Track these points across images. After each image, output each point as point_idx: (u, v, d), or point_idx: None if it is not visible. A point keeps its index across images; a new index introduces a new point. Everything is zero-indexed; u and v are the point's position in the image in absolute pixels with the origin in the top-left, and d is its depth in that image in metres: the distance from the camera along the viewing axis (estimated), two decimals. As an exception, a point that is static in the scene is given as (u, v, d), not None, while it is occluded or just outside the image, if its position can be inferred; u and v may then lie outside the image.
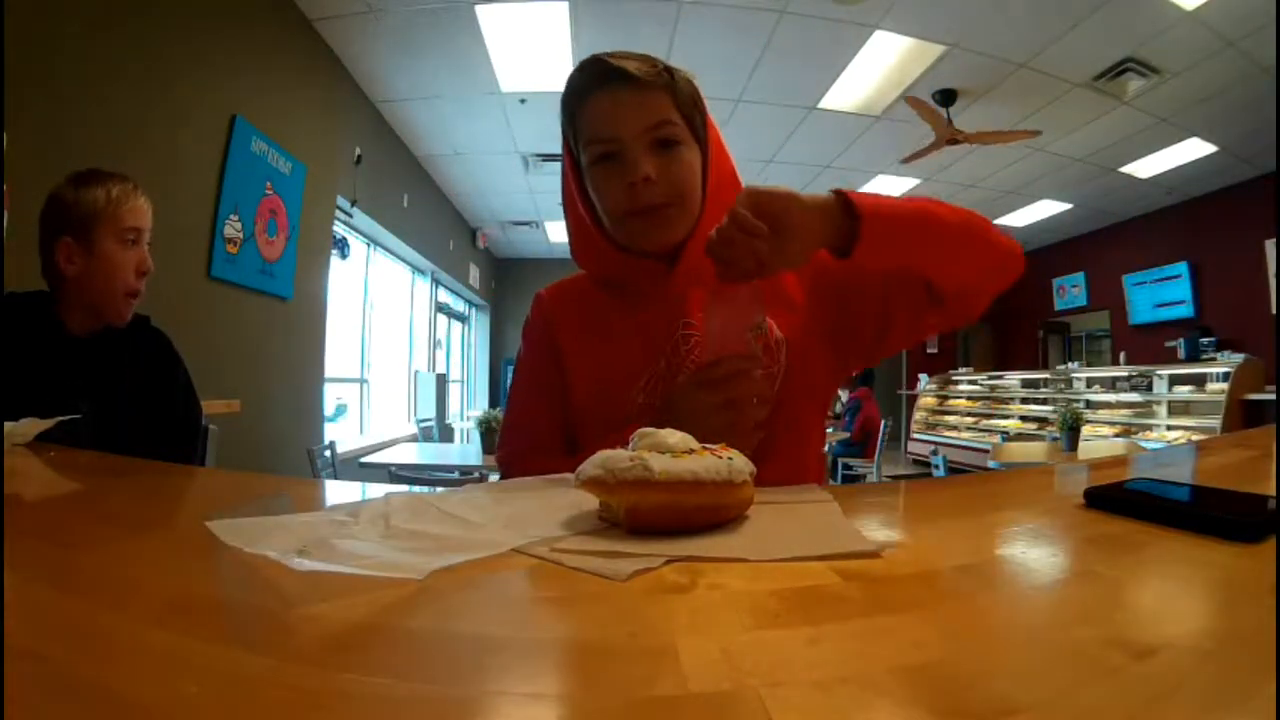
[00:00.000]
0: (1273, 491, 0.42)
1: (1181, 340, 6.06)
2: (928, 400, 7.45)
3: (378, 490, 0.57)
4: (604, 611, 0.29)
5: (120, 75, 2.11)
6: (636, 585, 0.32)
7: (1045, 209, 6.66)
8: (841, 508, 0.46)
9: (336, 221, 3.94)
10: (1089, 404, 5.57)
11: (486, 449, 3.07)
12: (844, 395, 5.64)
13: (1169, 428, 4.79)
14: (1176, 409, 4.86)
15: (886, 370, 8.57)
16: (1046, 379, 6.38)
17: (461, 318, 7.92)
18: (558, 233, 7.27)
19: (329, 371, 3.84)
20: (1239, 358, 4.56)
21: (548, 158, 5.19)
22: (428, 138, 4.92)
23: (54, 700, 0.20)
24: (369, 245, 4.91)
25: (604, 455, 0.41)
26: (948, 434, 6.84)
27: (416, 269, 5.94)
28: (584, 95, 0.70)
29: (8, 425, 0.80)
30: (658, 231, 0.72)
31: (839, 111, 4.37)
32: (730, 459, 0.42)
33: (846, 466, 5.22)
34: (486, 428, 3.06)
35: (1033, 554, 0.38)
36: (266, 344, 3.11)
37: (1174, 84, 3.90)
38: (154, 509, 0.59)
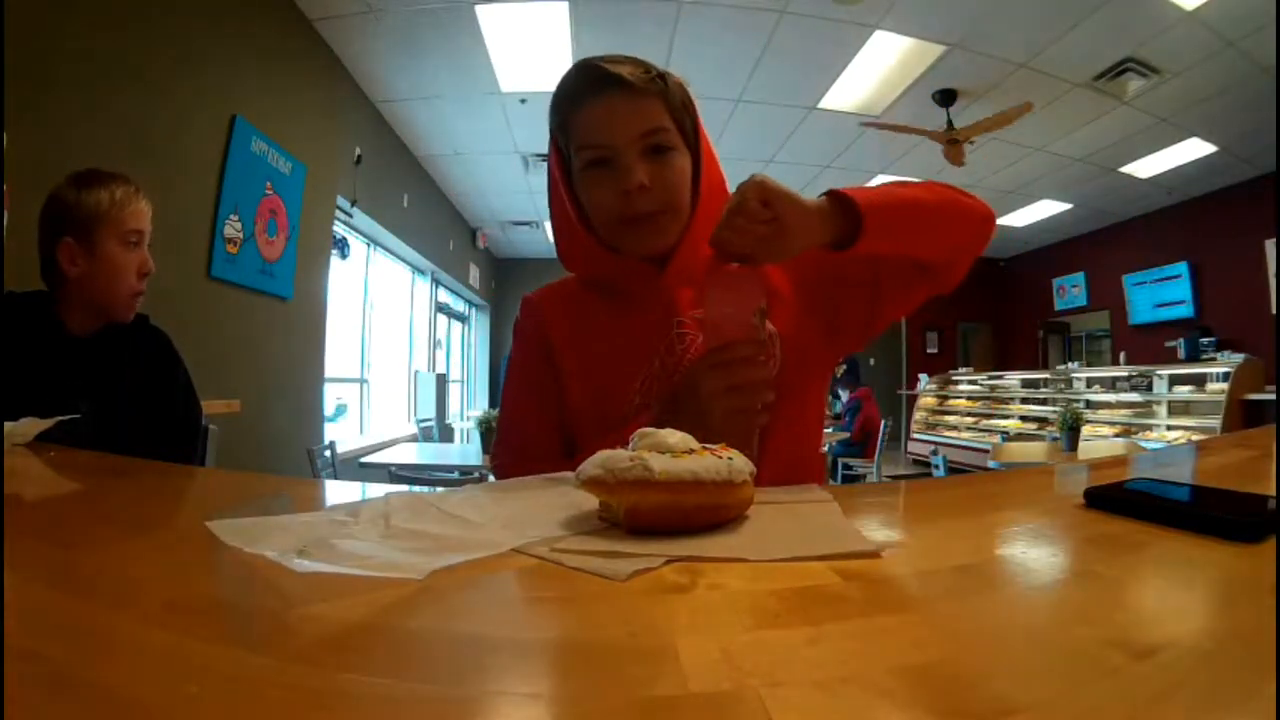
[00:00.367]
0: (1273, 491, 0.42)
1: (1181, 340, 6.06)
2: (928, 400, 7.44)
3: (378, 490, 0.57)
4: (604, 611, 0.29)
5: (120, 75, 2.11)
6: (636, 585, 0.32)
7: (1045, 209, 6.66)
8: (841, 508, 0.46)
9: (336, 221, 3.94)
10: (1089, 404, 5.57)
11: (486, 449, 3.07)
12: (844, 395, 5.64)
13: (1169, 428, 4.79)
14: (1176, 409, 4.86)
15: (886, 370, 8.58)
16: (1046, 379, 6.38)
17: (461, 318, 7.92)
18: (558, 233, 7.25)
19: (329, 371, 3.84)
20: (1239, 358, 4.56)
21: (547, 158, 5.18)
22: (428, 138, 4.92)
23: (54, 700, 0.20)
24: (369, 245, 4.91)
25: (604, 455, 0.41)
26: (948, 434, 6.83)
27: (416, 269, 5.94)
28: (577, 100, 0.70)
29: (8, 425, 0.80)
30: (651, 238, 0.72)
31: (839, 111, 4.37)
32: (730, 459, 0.42)
33: (846, 466, 5.22)
34: (486, 428, 3.06)
35: (1033, 554, 0.38)
36: (266, 344, 3.11)
37: (1174, 84, 3.91)
38: (154, 509, 0.59)
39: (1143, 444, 4.49)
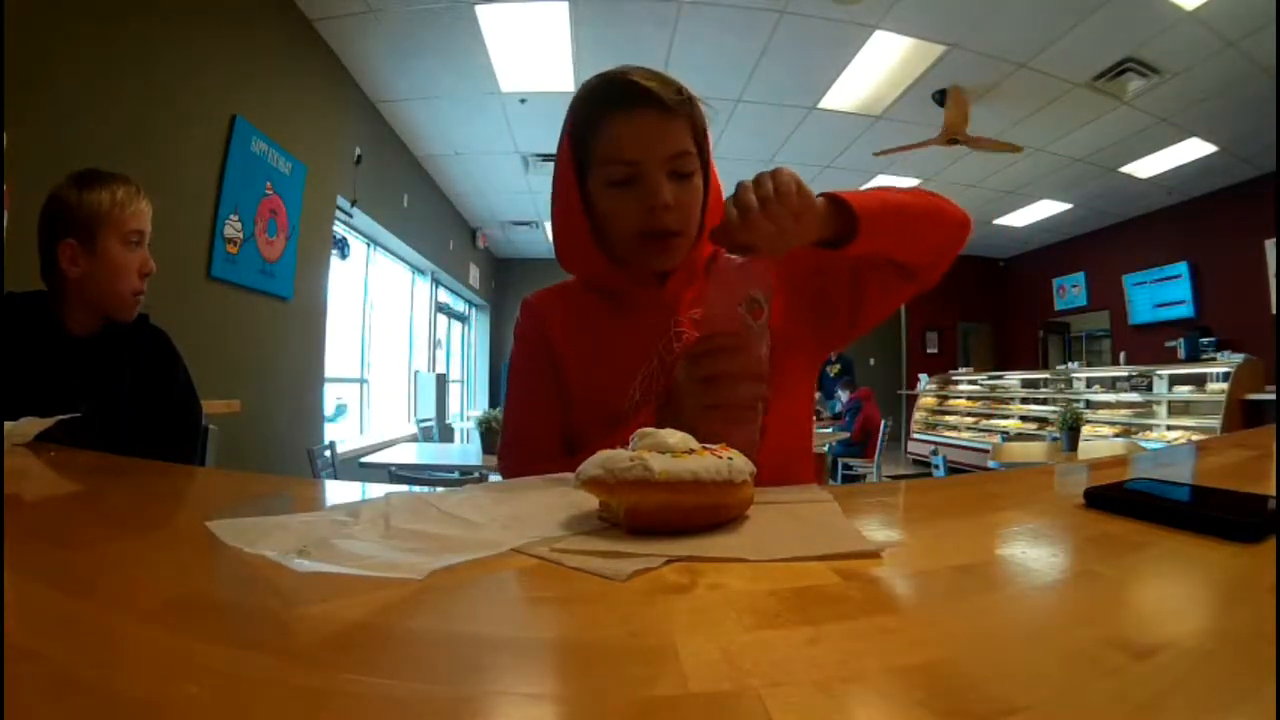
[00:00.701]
0: (1273, 491, 0.42)
1: (1181, 340, 6.07)
2: (928, 400, 7.44)
3: (378, 490, 0.57)
4: (604, 611, 0.29)
5: (120, 75, 2.11)
6: (636, 585, 0.32)
7: (1045, 209, 6.66)
8: (841, 508, 0.46)
9: (336, 221, 3.94)
10: (1089, 404, 5.57)
11: (486, 449, 3.07)
12: (844, 395, 5.64)
13: (1169, 428, 4.79)
14: (1176, 409, 4.86)
15: (886, 370, 8.57)
16: (1046, 379, 6.37)
17: (461, 318, 7.92)
18: (558, 233, 7.25)
19: (329, 371, 3.84)
20: (1239, 358, 4.56)
21: (548, 158, 5.19)
22: (428, 138, 4.92)
23: (54, 700, 0.20)
24: (369, 245, 4.91)
25: (604, 455, 0.41)
26: (948, 434, 6.83)
27: (416, 269, 5.94)
28: (609, 110, 0.69)
29: (8, 425, 0.80)
30: (665, 255, 0.73)
31: (839, 111, 4.37)
32: (730, 459, 0.42)
33: (846, 466, 5.22)
34: (486, 428, 3.06)
35: (1033, 554, 0.38)
36: (266, 344, 3.11)
37: (1174, 84, 3.91)
38: (154, 509, 0.59)
39: (1143, 444, 4.49)
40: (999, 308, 8.97)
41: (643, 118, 0.68)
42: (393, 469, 3.06)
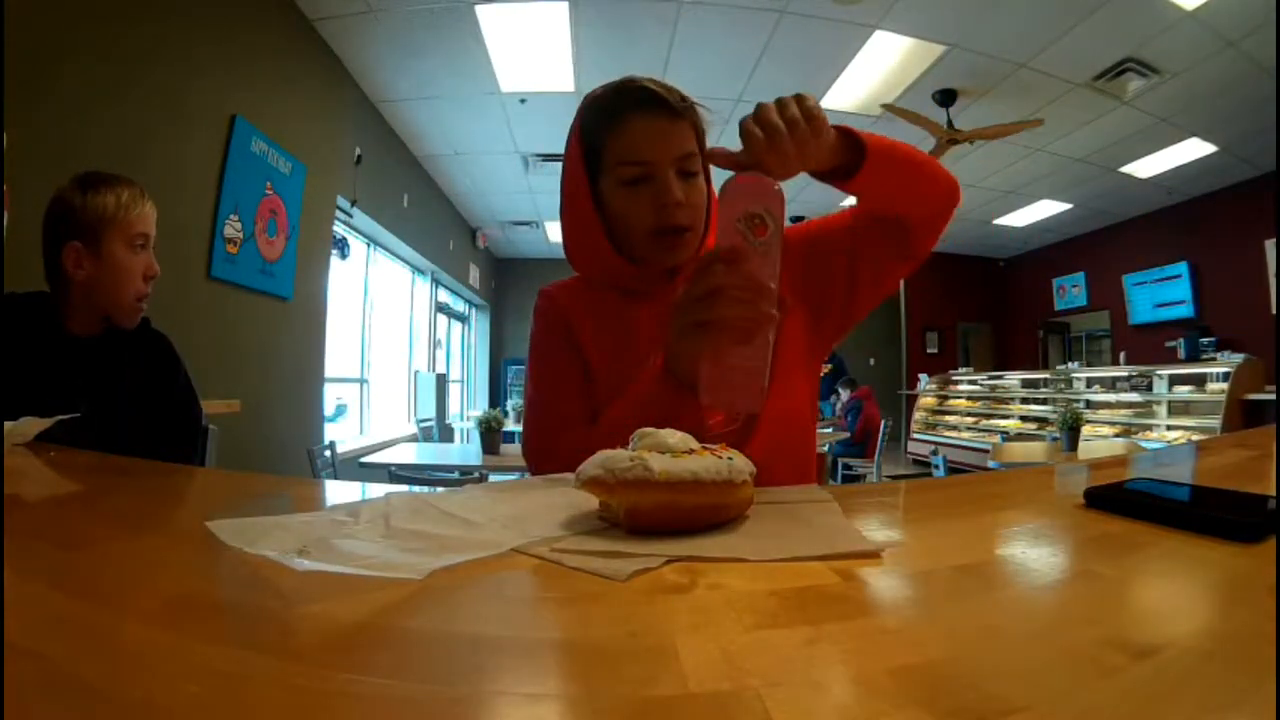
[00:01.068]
0: (1273, 491, 0.42)
1: (1181, 340, 6.07)
2: (928, 400, 7.44)
3: (378, 490, 0.57)
4: (604, 611, 0.29)
5: (120, 75, 2.11)
6: (636, 585, 0.32)
7: (1045, 209, 6.66)
8: (841, 508, 0.46)
9: (336, 221, 3.94)
10: (1089, 404, 5.57)
11: (486, 449, 3.07)
12: (844, 395, 5.64)
13: (1169, 428, 4.79)
14: (1176, 409, 4.86)
15: (887, 370, 8.57)
16: (1046, 379, 6.37)
17: (461, 318, 7.92)
18: (557, 233, 7.22)
19: (329, 371, 3.84)
20: (1239, 358, 4.56)
21: (548, 158, 5.19)
22: (428, 138, 4.92)
23: (54, 700, 0.20)
24: (369, 245, 4.91)
25: (604, 455, 0.41)
26: (948, 434, 6.83)
27: (416, 269, 5.94)
28: (623, 114, 0.73)
29: (8, 425, 0.80)
30: (677, 251, 0.76)
31: (839, 111, 4.36)
32: (730, 459, 0.42)
33: (846, 466, 5.22)
34: (486, 428, 3.06)
35: (1033, 554, 0.38)
36: (266, 344, 3.11)
37: (1174, 84, 3.91)
38: (154, 509, 0.59)
39: (1143, 444, 4.49)
40: (999, 308, 8.97)
41: (654, 120, 0.72)
42: (393, 469, 3.06)
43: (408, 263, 5.72)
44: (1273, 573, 0.30)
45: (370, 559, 0.34)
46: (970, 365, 8.14)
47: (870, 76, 3.95)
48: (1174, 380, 4.98)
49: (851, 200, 0.77)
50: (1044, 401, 6.08)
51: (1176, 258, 6.37)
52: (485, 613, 0.30)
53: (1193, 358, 5.63)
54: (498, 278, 8.66)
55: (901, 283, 8.29)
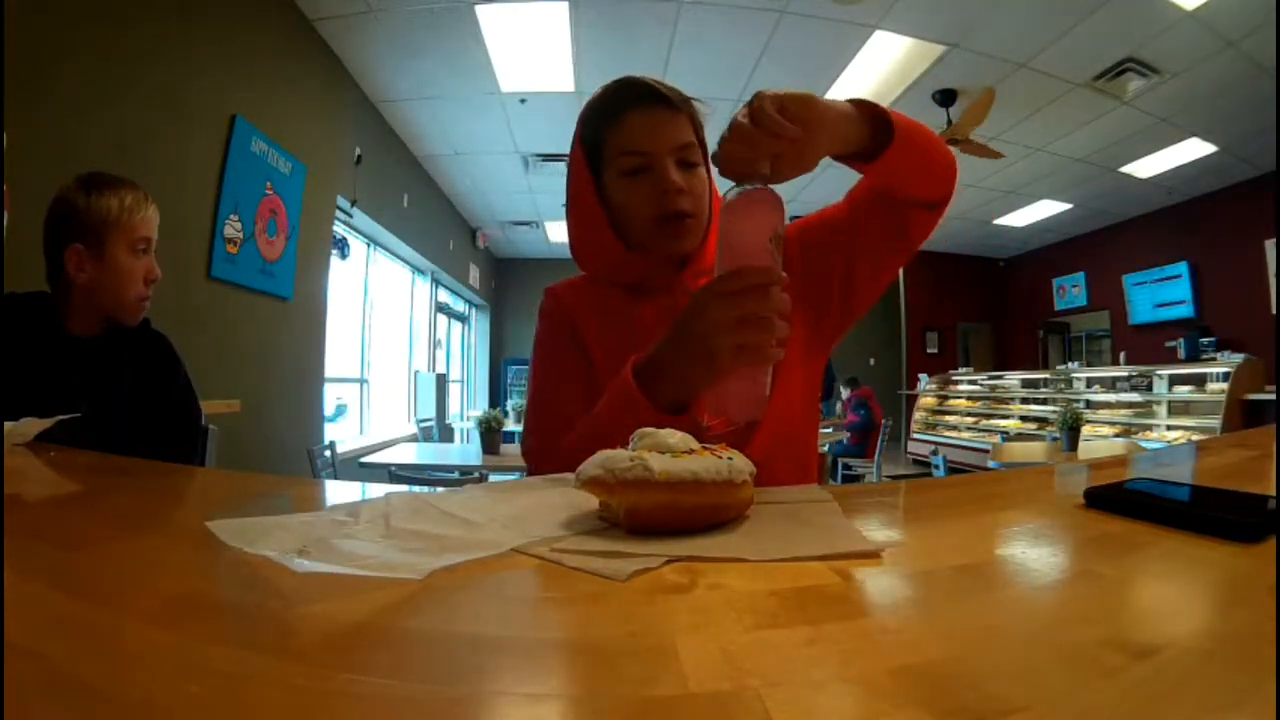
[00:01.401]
0: (1273, 491, 0.42)
1: (1181, 340, 6.07)
2: (928, 400, 7.44)
3: (378, 490, 0.57)
4: (604, 611, 0.29)
5: (120, 75, 2.11)
6: (636, 585, 0.32)
7: (1045, 209, 6.66)
8: (841, 508, 0.46)
9: (336, 221, 3.94)
10: (1089, 404, 5.57)
11: (486, 449, 3.07)
12: (845, 392, 5.65)
13: (1169, 428, 4.79)
14: (1176, 409, 4.86)
15: (886, 370, 8.57)
16: (1046, 379, 6.37)
17: (461, 318, 7.92)
18: (558, 233, 7.27)
19: (329, 371, 3.84)
20: (1239, 358, 4.56)
21: (548, 158, 5.19)
22: (428, 138, 4.92)
23: (54, 700, 0.20)
24: (369, 245, 4.91)
25: (604, 455, 0.41)
26: (948, 434, 6.83)
27: (416, 269, 5.94)
28: (622, 110, 0.75)
29: (8, 425, 0.80)
30: (681, 238, 0.77)
31: (839, 111, 4.36)
32: (730, 459, 0.42)
33: (846, 466, 5.22)
34: (486, 428, 3.06)
35: (1033, 554, 0.38)
36: (266, 344, 3.11)
37: (1174, 84, 3.91)
38: (154, 509, 0.59)
39: (1143, 444, 4.49)
40: (999, 308, 8.97)
41: (653, 110, 0.75)
42: (393, 469, 3.06)
43: (408, 263, 5.72)
44: (1273, 573, 0.30)
45: (370, 559, 0.34)
46: (970, 365, 8.14)
47: (870, 76, 3.95)
48: (1174, 380, 4.98)
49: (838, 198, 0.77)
50: (1044, 401, 6.08)
51: (1176, 258, 6.37)
52: (485, 613, 0.30)
53: (1193, 358, 5.63)
54: (498, 278, 8.66)
55: (901, 283, 8.30)
